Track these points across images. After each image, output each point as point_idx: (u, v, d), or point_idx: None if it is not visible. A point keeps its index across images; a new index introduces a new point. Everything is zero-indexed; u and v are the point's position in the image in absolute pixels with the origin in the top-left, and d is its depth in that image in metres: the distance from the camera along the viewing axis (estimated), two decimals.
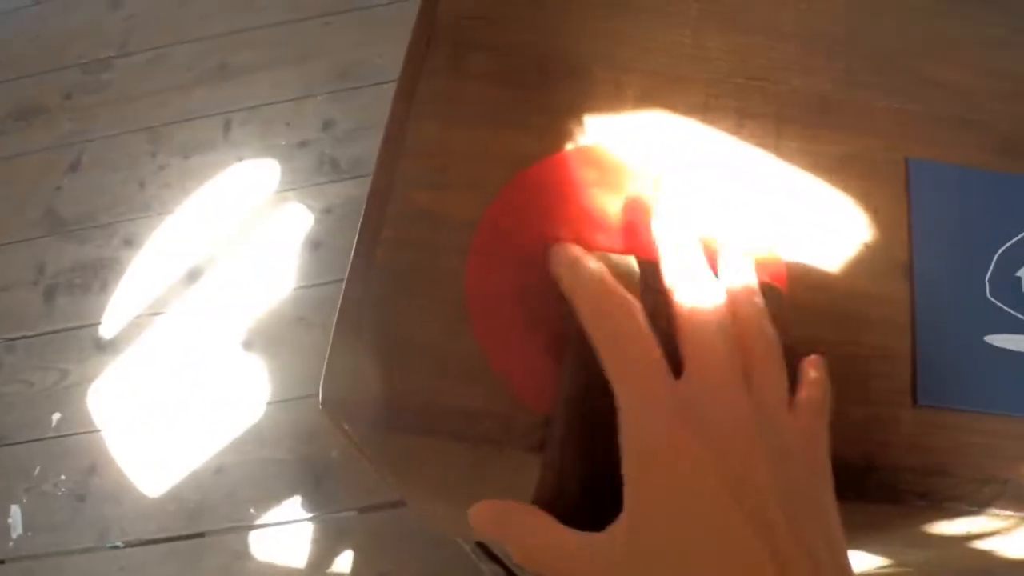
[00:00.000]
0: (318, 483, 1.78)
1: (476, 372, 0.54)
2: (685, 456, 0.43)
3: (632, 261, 0.53)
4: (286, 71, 2.15)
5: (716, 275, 0.51)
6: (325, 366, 0.54)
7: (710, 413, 0.44)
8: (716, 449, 0.43)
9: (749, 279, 0.50)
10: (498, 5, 0.64)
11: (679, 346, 0.47)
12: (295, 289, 1.93)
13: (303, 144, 2.07)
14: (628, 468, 0.44)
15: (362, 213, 0.58)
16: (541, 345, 0.53)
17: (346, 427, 0.55)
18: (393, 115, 0.60)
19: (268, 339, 1.89)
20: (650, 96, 0.61)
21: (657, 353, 0.45)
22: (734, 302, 0.49)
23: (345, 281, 0.56)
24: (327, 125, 2.07)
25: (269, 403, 1.83)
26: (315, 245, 1.98)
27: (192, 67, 2.18)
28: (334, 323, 0.55)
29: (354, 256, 0.57)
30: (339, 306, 0.56)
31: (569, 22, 0.64)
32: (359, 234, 0.57)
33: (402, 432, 0.54)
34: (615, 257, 0.53)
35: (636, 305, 0.47)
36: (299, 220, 2.00)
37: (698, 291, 0.48)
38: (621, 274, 0.52)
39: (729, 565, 0.41)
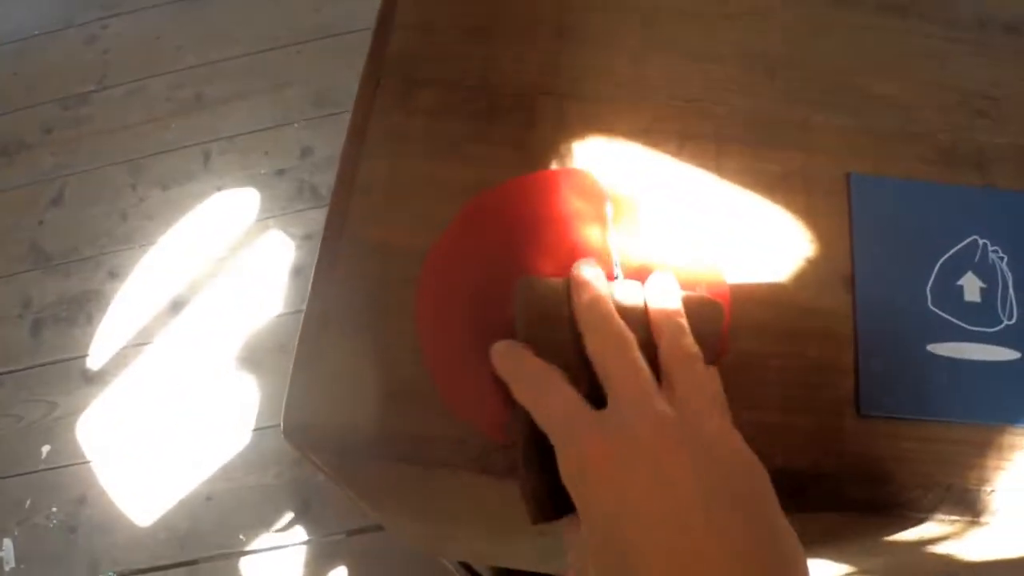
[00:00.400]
0: (306, 507, 1.78)
1: (427, 398, 0.55)
2: (612, 462, 0.45)
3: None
4: (262, 100, 2.16)
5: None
6: (285, 397, 0.56)
7: (630, 426, 0.46)
8: (640, 455, 0.45)
9: (671, 301, 0.52)
10: (444, 41, 0.66)
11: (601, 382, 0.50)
12: (278, 316, 1.95)
13: (282, 172, 2.08)
14: (571, 488, 0.47)
15: (318, 249, 0.59)
16: (486, 371, 0.54)
17: (310, 455, 0.56)
18: (345, 152, 0.62)
19: (253, 366, 1.91)
20: (593, 123, 0.62)
21: (572, 395, 0.48)
22: (656, 322, 0.51)
23: (303, 315, 0.58)
24: (305, 152, 2.09)
25: (255, 430, 1.85)
26: (296, 271, 1.99)
27: (169, 99, 2.19)
28: (293, 355, 0.57)
29: (311, 291, 0.58)
30: (298, 339, 0.57)
31: (513, 54, 0.65)
32: (315, 269, 0.59)
33: (361, 457, 0.56)
34: (558, 281, 0.54)
35: (549, 367, 0.50)
36: (280, 247, 2.01)
37: (605, 333, 0.50)
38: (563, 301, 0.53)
39: (662, 559, 0.42)
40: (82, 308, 2.01)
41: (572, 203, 0.59)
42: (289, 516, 1.79)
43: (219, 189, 2.09)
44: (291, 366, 0.56)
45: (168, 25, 2.28)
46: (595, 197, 0.60)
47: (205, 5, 2.28)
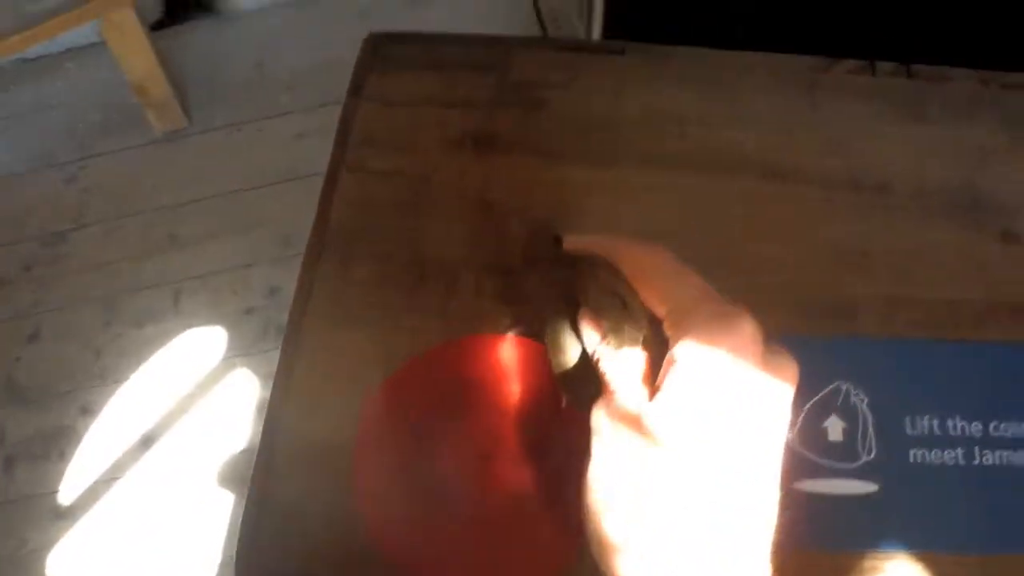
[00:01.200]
0: None
1: (358, 540, 0.62)
2: None
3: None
4: (232, 240, 2.22)
5: None
6: (238, 540, 0.63)
7: None
8: None
9: None
10: (379, 217, 0.73)
11: None
12: (243, 451, 1.99)
13: (250, 311, 2.14)
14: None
15: (266, 407, 0.67)
16: (416, 518, 0.61)
17: None
18: (291, 318, 0.70)
19: (219, 499, 1.94)
20: (508, 292, 0.70)
21: None
22: None
23: (254, 463, 0.65)
24: (272, 292, 2.15)
25: (221, 564, 1.87)
26: (261, 409, 2.02)
27: (144, 238, 2.25)
28: (244, 504, 0.64)
29: (260, 442, 0.65)
30: (250, 484, 0.64)
31: (437, 228, 0.73)
32: (264, 425, 0.66)
33: None
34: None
35: None
36: (246, 385, 2.06)
37: None
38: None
39: None
40: (55, 444, 2.04)
41: (496, 366, 0.67)
42: None
43: (189, 327, 2.14)
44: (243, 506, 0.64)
45: (144, 166, 2.35)
46: (517, 361, 0.67)
47: (180, 147, 2.36)
